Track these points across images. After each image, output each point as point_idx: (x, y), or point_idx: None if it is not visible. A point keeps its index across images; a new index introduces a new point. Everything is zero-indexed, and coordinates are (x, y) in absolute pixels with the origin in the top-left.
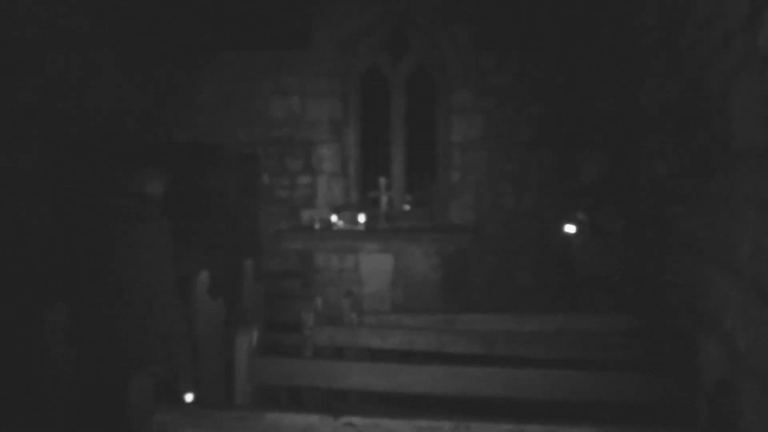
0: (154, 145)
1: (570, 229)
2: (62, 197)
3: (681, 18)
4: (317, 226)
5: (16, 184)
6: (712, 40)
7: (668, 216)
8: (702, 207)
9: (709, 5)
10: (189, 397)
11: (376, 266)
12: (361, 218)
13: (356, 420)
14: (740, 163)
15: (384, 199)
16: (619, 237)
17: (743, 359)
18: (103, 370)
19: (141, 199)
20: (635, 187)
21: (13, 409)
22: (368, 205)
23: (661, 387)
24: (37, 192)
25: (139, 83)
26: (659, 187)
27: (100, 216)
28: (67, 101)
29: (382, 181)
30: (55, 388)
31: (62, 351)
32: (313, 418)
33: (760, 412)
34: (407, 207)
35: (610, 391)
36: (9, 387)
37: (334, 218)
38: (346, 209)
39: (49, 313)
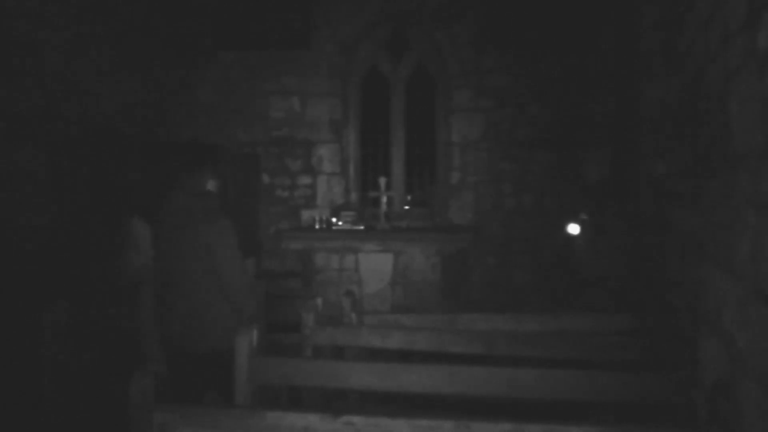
0: (154, 145)
1: (573, 229)
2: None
3: (681, 18)
4: (317, 226)
5: (16, 184)
6: (711, 41)
7: (668, 216)
8: (702, 207)
9: (708, 5)
10: None
11: (376, 266)
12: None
13: (356, 419)
14: (740, 163)
15: (384, 199)
16: (620, 237)
17: (743, 359)
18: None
19: (203, 196)
20: (636, 187)
21: (14, 408)
22: (368, 205)
23: (661, 387)
24: (39, 192)
25: (139, 84)
26: (659, 187)
27: (166, 213)
28: (68, 102)
29: (382, 181)
30: (54, 386)
31: (62, 349)
32: (313, 418)
33: (759, 411)
34: (407, 207)
35: (610, 391)
36: (9, 386)
37: (334, 218)
38: (346, 209)
39: (49, 311)
